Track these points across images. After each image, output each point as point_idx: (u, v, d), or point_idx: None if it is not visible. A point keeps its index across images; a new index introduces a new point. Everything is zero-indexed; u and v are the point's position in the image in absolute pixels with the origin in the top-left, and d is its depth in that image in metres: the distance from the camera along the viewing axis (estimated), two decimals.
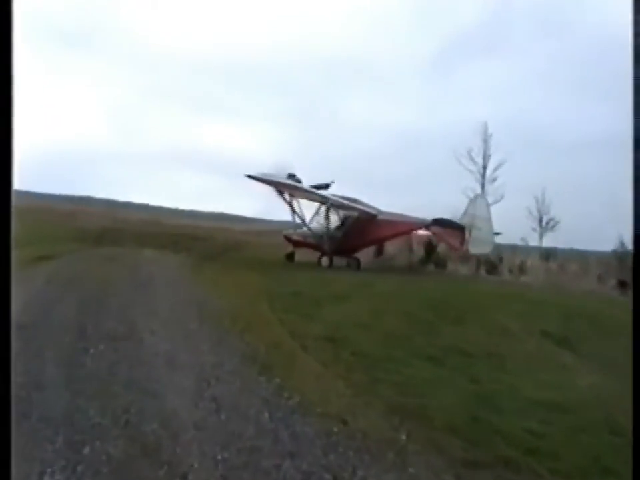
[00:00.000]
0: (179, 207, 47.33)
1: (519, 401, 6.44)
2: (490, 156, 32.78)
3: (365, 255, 21.62)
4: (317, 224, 21.09)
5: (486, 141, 32.92)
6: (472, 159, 32.69)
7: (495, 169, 32.61)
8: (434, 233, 20.20)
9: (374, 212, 20.64)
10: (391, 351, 7.93)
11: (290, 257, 20.78)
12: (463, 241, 19.49)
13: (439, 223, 19.79)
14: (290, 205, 20.17)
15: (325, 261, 20.28)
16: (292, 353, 7.60)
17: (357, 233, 20.41)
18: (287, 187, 18.43)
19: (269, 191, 19.18)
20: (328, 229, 20.97)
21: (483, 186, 32.67)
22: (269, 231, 27.35)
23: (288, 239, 21.33)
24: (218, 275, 14.29)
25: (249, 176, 17.09)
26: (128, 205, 47.21)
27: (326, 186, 21.09)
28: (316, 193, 18.82)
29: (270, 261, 19.52)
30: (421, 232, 20.21)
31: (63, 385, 5.97)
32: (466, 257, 22.28)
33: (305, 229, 21.04)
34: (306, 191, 18.67)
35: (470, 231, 19.43)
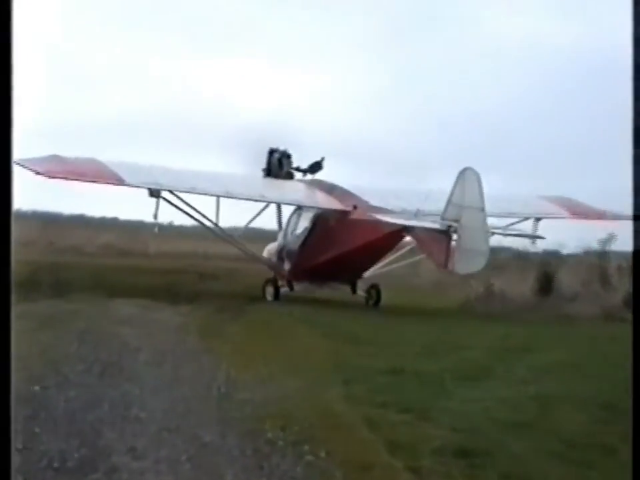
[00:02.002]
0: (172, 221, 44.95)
1: None
2: None
3: (519, 292, 21.83)
4: (291, 233, 22.43)
5: None
6: None
7: None
8: (416, 239, 19.76)
9: (348, 207, 20.80)
10: None
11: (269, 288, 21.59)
12: (448, 251, 18.25)
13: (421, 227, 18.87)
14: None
15: (269, 291, 21.39)
16: None
17: (320, 244, 20.84)
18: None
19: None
20: (285, 238, 22.39)
21: None
22: None
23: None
24: (248, 339, 14.57)
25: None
26: (80, 220, 44.92)
27: (315, 166, 23.25)
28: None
29: (336, 306, 20.29)
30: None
31: None
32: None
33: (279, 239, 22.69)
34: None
35: (455, 234, 18.26)
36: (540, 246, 24.20)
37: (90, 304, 18.32)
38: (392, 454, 7.42)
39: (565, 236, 24.72)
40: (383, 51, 67.13)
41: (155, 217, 19.88)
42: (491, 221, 20.92)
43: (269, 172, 22.97)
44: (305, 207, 21.84)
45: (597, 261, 23.40)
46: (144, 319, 16.56)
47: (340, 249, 20.13)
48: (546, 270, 23.07)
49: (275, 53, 69.07)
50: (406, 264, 22.26)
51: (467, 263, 18.37)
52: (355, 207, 20.75)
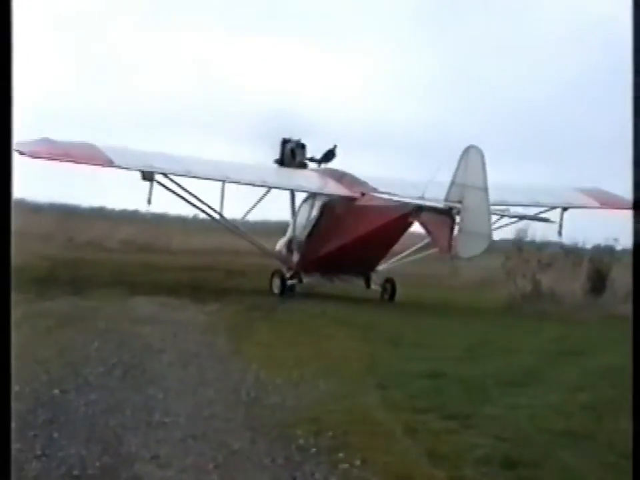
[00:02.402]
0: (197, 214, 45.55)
1: None
2: None
3: (570, 290, 21.88)
4: (300, 223, 23.10)
5: None
6: None
7: None
8: (422, 224, 20.10)
9: (355, 193, 21.48)
10: None
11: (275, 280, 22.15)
12: (451, 234, 18.99)
13: (427, 206, 19.47)
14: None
15: (276, 284, 21.87)
16: None
17: (327, 232, 21.51)
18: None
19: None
20: (294, 229, 23.03)
21: None
22: None
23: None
24: (280, 341, 14.52)
25: None
26: (100, 212, 45.47)
27: (329, 155, 23.98)
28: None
29: (370, 305, 20.51)
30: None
31: None
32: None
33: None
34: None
35: (458, 215, 18.90)
36: (593, 241, 24.54)
37: (111, 302, 18.41)
38: (434, 465, 7.39)
39: (620, 231, 24.49)
40: (430, 34, 67.28)
41: (149, 201, 20.32)
42: (516, 209, 22.60)
43: (282, 162, 23.74)
44: (315, 195, 22.45)
45: None
46: (167, 318, 16.63)
47: (347, 237, 20.64)
48: (598, 267, 22.79)
49: (311, 33, 69.91)
50: (421, 257, 22.74)
51: (469, 246, 18.87)
52: (362, 194, 21.32)
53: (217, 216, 22.22)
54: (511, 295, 22.52)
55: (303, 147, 24.21)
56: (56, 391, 9.41)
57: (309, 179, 22.98)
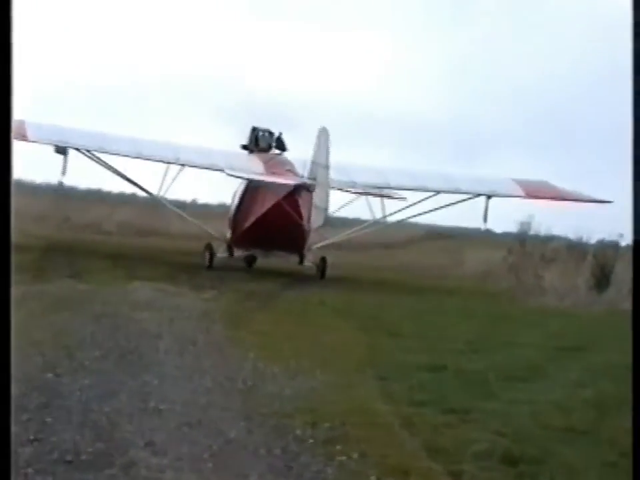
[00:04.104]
0: (196, 198, 46.51)
1: None
2: None
3: (573, 285, 22.26)
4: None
5: None
6: None
7: None
8: (303, 201, 23.05)
9: (269, 174, 24.26)
10: None
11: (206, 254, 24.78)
12: (310, 209, 22.41)
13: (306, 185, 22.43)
14: None
15: (206, 256, 24.45)
16: None
17: (246, 209, 24.58)
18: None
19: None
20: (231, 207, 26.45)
21: None
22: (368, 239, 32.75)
23: None
24: (278, 330, 14.52)
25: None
26: (97, 194, 46.05)
27: (278, 142, 26.32)
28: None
29: (376, 295, 20.77)
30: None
31: None
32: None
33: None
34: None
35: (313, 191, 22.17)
36: (598, 236, 25.11)
37: (107, 286, 18.39)
38: (433, 459, 7.38)
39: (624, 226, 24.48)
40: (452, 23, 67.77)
41: (62, 173, 22.44)
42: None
43: (245, 147, 26.22)
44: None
45: None
46: (165, 303, 16.64)
47: (257, 214, 23.44)
48: (602, 262, 22.76)
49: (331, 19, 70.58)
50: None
51: (315, 219, 22.14)
52: (274, 173, 23.88)
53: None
54: (512, 290, 22.57)
55: (270, 134, 26.51)
56: (50, 375, 9.40)
57: (235, 160, 25.25)
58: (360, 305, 18.91)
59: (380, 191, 25.11)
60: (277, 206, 22.52)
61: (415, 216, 26.93)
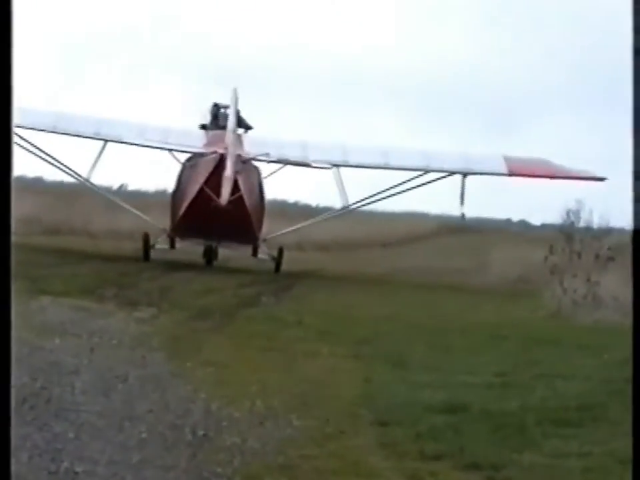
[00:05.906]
0: (125, 184, 47.74)
1: None
2: None
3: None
4: None
5: None
6: None
7: None
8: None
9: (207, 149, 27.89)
10: None
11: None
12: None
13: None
14: None
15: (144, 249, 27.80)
16: None
17: (182, 192, 28.18)
18: None
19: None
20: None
21: None
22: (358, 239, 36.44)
23: None
24: (239, 359, 14.91)
25: None
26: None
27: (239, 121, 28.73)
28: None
29: (367, 314, 21.07)
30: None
31: None
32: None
33: None
34: None
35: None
36: None
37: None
38: None
39: None
40: None
41: None
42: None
43: (204, 127, 29.70)
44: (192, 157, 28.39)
45: None
46: (84, 327, 16.77)
47: (192, 193, 26.13)
48: None
49: None
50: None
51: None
52: (215, 152, 26.36)
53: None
54: (558, 301, 22.67)
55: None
56: None
57: (179, 137, 28.43)
58: (349, 323, 19.01)
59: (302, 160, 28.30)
60: (212, 177, 25.13)
61: (377, 200, 31.09)
